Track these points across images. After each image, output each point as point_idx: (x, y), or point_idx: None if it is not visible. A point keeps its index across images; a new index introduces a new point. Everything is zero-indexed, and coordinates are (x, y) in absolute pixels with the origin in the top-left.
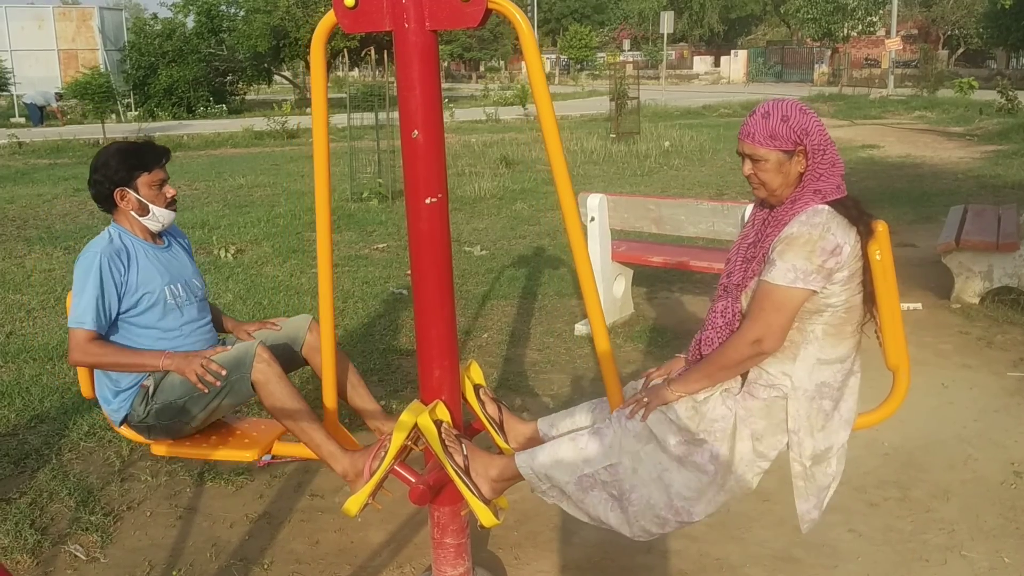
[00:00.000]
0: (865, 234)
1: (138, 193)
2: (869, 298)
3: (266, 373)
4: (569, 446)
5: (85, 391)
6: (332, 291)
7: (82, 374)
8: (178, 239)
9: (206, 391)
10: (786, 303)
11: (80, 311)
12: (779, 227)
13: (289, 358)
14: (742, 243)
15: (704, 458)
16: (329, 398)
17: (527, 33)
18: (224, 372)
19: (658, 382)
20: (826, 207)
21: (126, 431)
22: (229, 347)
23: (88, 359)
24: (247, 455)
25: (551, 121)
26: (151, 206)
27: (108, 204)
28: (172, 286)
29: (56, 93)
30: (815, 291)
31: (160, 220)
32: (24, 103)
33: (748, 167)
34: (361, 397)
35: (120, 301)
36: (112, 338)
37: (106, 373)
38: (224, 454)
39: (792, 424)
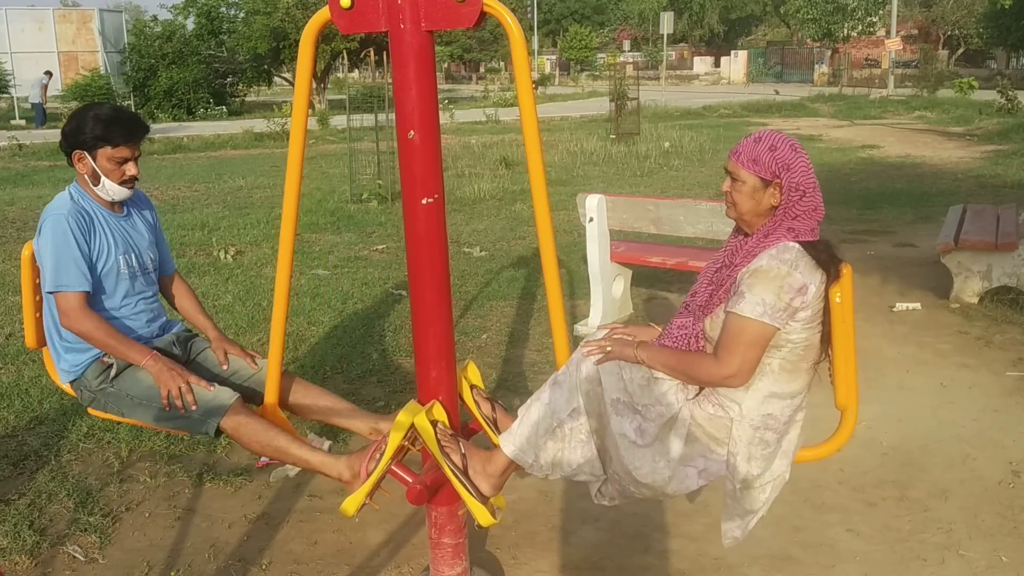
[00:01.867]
0: (832, 277)
1: (95, 161)
2: (826, 338)
3: (237, 422)
4: (536, 407)
5: (30, 341)
6: (288, 281)
7: (30, 323)
8: (142, 210)
9: (167, 408)
10: (759, 338)
11: (61, 273)
12: (749, 258)
13: (251, 397)
14: (712, 265)
15: (632, 427)
16: (271, 393)
17: (517, 36)
18: (194, 407)
19: (626, 339)
20: (796, 245)
21: (67, 388)
22: (212, 388)
23: (82, 326)
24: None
25: (532, 124)
26: (103, 178)
27: (70, 161)
28: (126, 255)
29: (46, 72)
30: (778, 328)
31: (110, 194)
32: (30, 103)
33: (727, 184)
34: (332, 403)
35: (92, 262)
36: None
37: (57, 327)
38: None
39: (732, 447)
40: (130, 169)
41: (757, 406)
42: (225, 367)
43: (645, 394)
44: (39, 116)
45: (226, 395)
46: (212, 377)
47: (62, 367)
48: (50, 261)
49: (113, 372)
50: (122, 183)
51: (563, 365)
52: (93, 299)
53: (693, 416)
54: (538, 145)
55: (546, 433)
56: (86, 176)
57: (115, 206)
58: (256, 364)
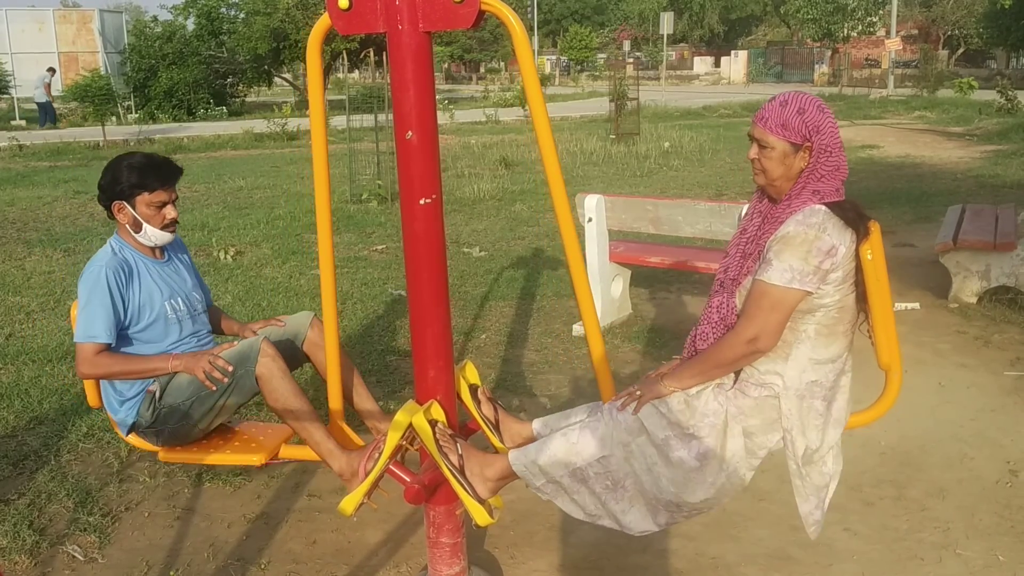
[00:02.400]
0: (862, 235)
1: (135, 209)
2: (861, 298)
3: (270, 368)
4: (561, 441)
5: (92, 401)
6: (335, 292)
7: (88, 385)
8: (179, 253)
9: (213, 388)
10: (782, 302)
11: (89, 324)
12: (776, 225)
13: (291, 355)
14: (740, 238)
15: (692, 453)
16: (334, 399)
17: (520, 34)
18: (230, 368)
19: (652, 377)
20: (823, 207)
21: (134, 439)
22: (233, 343)
23: (97, 371)
24: (254, 459)
25: (544, 121)
26: (145, 225)
27: (110, 213)
28: (172, 300)
29: (49, 68)
30: (810, 292)
31: (152, 239)
32: (35, 102)
33: (754, 151)
34: (362, 398)
35: (125, 314)
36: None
37: (111, 383)
38: (231, 458)
39: (785, 423)
40: (169, 212)
41: (799, 375)
42: None
43: (689, 415)
44: (44, 114)
45: (251, 340)
46: None
47: (119, 419)
48: (82, 312)
49: (158, 394)
50: (163, 227)
51: (607, 399)
52: (146, 347)
53: (741, 411)
54: (551, 139)
55: (563, 468)
56: (127, 226)
57: (156, 252)
58: (281, 322)
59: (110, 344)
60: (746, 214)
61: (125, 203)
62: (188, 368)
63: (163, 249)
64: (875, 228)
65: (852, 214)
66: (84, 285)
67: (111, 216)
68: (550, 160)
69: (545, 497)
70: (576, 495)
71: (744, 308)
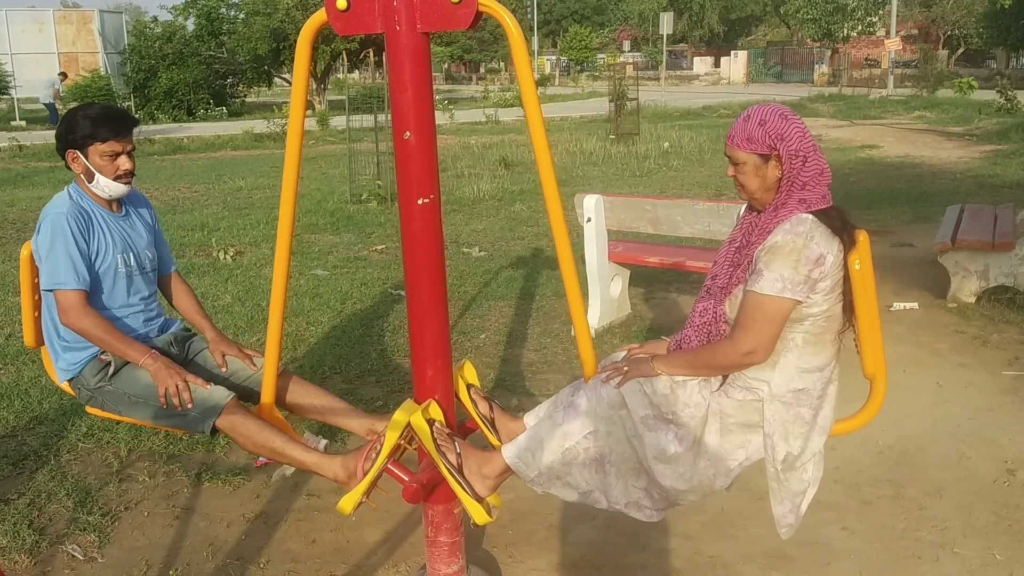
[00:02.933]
0: (848, 244)
1: (87, 159)
2: (848, 307)
3: (233, 422)
4: (548, 424)
5: (28, 341)
6: (286, 279)
7: (28, 322)
8: (139, 208)
9: (164, 406)
10: (777, 314)
11: (58, 271)
12: (764, 235)
13: (250, 396)
14: (729, 247)
15: (668, 438)
16: (268, 393)
17: (516, 36)
18: (191, 406)
19: (641, 356)
20: (810, 216)
21: (66, 387)
22: (208, 387)
23: (81, 324)
24: (182, 431)
25: (538, 122)
26: (97, 175)
27: (66, 163)
28: (124, 254)
29: (60, 73)
30: (800, 301)
31: (105, 190)
32: (42, 103)
33: (730, 169)
34: (329, 402)
35: (91, 259)
36: None
37: (56, 326)
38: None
39: (768, 428)
40: (123, 163)
41: (786, 382)
42: (223, 369)
43: (671, 401)
44: (52, 117)
45: (221, 394)
46: (210, 377)
47: (60, 366)
48: (48, 259)
49: (111, 370)
50: (116, 178)
51: (588, 373)
52: (92, 299)
53: (722, 409)
54: (545, 144)
55: (554, 452)
56: (81, 175)
57: (113, 205)
58: (254, 364)
59: (86, 291)
60: (737, 223)
61: (78, 152)
62: (155, 375)
63: (120, 203)
64: (863, 237)
65: (838, 222)
66: (46, 232)
67: (67, 166)
68: (543, 160)
69: (540, 490)
70: (568, 477)
71: (739, 319)
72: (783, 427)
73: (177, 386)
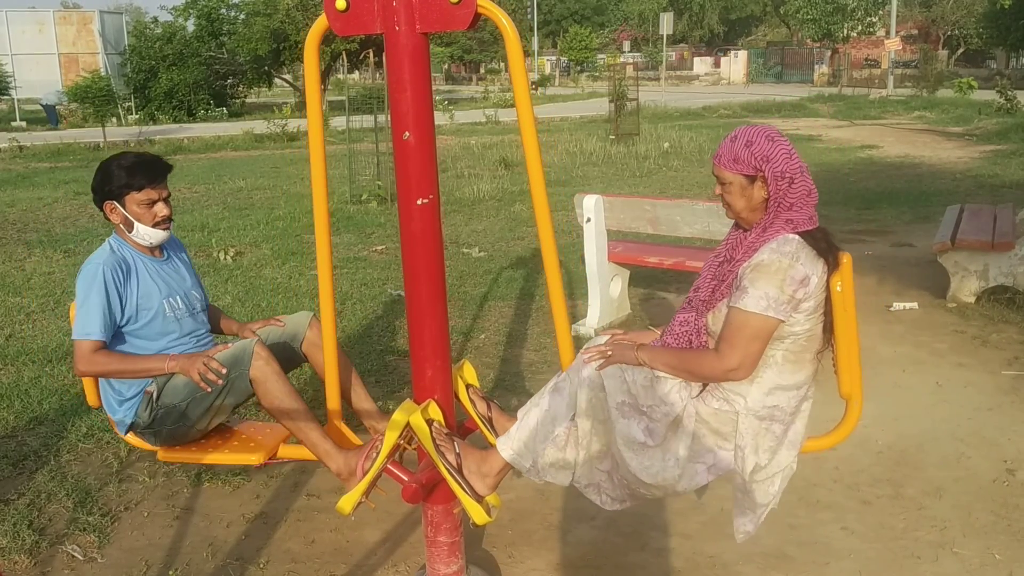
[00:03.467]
0: (832, 266)
1: (125, 209)
2: (828, 328)
3: (263, 371)
4: (535, 412)
5: (91, 401)
6: (333, 292)
7: (88, 384)
8: (178, 252)
9: (209, 390)
10: (762, 332)
11: (85, 322)
12: (749, 252)
13: (289, 356)
14: (714, 261)
15: (640, 428)
16: (333, 399)
17: (512, 36)
18: (224, 370)
19: (626, 343)
20: (796, 237)
21: (132, 439)
22: (229, 344)
23: (94, 368)
24: (252, 459)
25: (530, 123)
26: (136, 223)
27: (105, 215)
28: (171, 299)
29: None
30: (783, 320)
31: (145, 238)
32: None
33: (718, 188)
34: (360, 397)
35: (122, 312)
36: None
37: (110, 383)
38: (230, 458)
39: (739, 440)
40: (161, 210)
41: (762, 398)
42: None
43: (649, 395)
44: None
45: (245, 342)
46: None
47: (118, 419)
48: (79, 309)
49: (155, 396)
50: (155, 225)
51: (566, 368)
52: (145, 345)
53: (698, 413)
54: (536, 145)
55: (544, 439)
56: (120, 225)
57: (155, 251)
58: (281, 323)
59: (105, 342)
60: (724, 239)
61: (116, 203)
62: (183, 369)
63: (162, 248)
64: (846, 259)
65: (823, 244)
66: (82, 283)
67: (106, 218)
68: (533, 162)
69: (537, 479)
70: (561, 463)
71: (725, 335)
72: (754, 440)
73: (204, 363)
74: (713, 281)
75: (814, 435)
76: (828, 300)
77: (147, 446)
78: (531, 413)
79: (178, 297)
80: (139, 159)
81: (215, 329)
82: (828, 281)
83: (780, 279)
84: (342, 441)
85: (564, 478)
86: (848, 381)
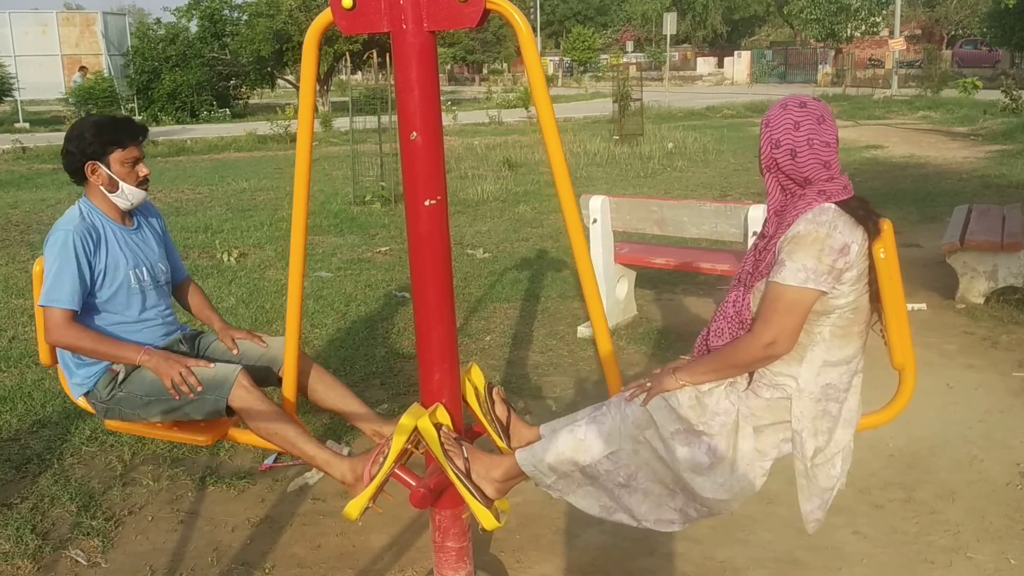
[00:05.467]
0: (873, 233)
1: (109, 168)
2: (874, 297)
3: (246, 399)
4: (567, 438)
5: (44, 358)
6: (302, 281)
7: (42, 339)
8: (149, 218)
9: (177, 398)
10: (798, 304)
11: (55, 289)
12: (785, 226)
13: (264, 377)
14: (759, 239)
15: (702, 450)
16: (288, 390)
17: (526, 33)
18: (200, 388)
19: (662, 369)
20: (832, 206)
21: (83, 402)
22: (211, 366)
23: (66, 340)
24: (200, 439)
25: (551, 121)
26: (121, 183)
27: (79, 176)
28: (137, 270)
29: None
30: (825, 292)
31: (129, 198)
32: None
33: None
34: (342, 397)
35: (91, 281)
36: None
37: None
38: (177, 436)
39: (796, 424)
40: (142, 169)
41: (814, 377)
42: (235, 352)
43: (700, 412)
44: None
45: (229, 368)
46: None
47: (75, 381)
48: (49, 276)
49: (120, 378)
50: (138, 185)
51: (613, 393)
52: (107, 315)
53: (752, 411)
54: (557, 139)
55: (573, 467)
56: (101, 187)
57: (125, 219)
58: (264, 342)
59: (75, 311)
60: (765, 219)
61: (98, 163)
62: (156, 368)
63: (132, 215)
64: (887, 226)
65: (861, 212)
66: (51, 249)
67: (78, 181)
68: (556, 157)
69: (556, 495)
70: (588, 490)
71: (760, 311)
72: (812, 423)
73: (181, 373)
74: (756, 259)
75: (866, 412)
76: (871, 269)
77: (93, 412)
78: (562, 437)
79: (144, 268)
80: (116, 118)
81: (184, 304)
82: (870, 249)
83: (818, 249)
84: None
85: (589, 506)
86: (900, 351)
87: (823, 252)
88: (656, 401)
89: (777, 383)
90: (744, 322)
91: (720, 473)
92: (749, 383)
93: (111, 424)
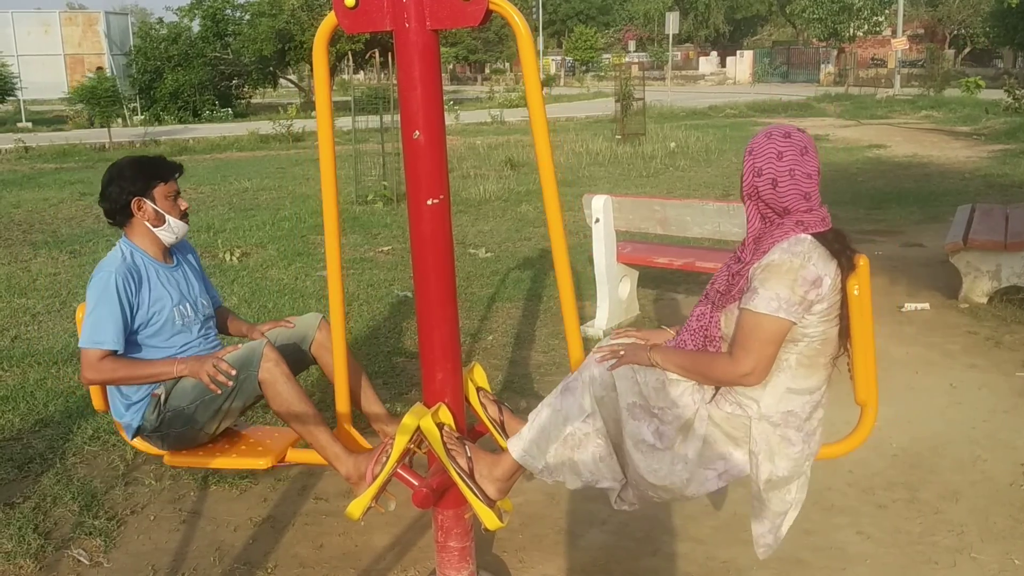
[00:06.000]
0: (846, 268)
1: (155, 203)
2: (844, 332)
3: (273, 372)
4: (547, 412)
5: (97, 405)
6: (343, 294)
7: (94, 388)
8: (187, 255)
9: (218, 392)
10: (774, 334)
11: (96, 330)
12: (760, 253)
13: (298, 358)
14: (731, 259)
15: (650, 430)
16: (342, 402)
17: (524, 35)
18: (234, 372)
19: (639, 344)
20: (808, 237)
21: (140, 443)
22: (238, 346)
23: (101, 376)
24: (261, 463)
25: (542, 121)
26: (167, 216)
27: (123, 216)
28: (181, 306)
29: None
30: (794, 323)
31: (175, 231)
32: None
33: None
34: (369, 400)
35: (133, 321)
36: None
37: (117, 387)
38: (238, 462)
39: (753, 447)
40: (183, 203)
41: (776, 403)
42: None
43: (661, 397)
44: None
45: (254, 344)
46: None
47: (126, 422)
48: (89, 316)
49: (163, 399)
50: (181, 218)
51: (576, 369)
52: (153, 352)
53: (711, 417)
54: (547, 142)
55: (556, 438)
56: (147, 223)
57: (167, 257)
58: (290, 323)
59: (117, 351)
60: (741, 243)
61: (144, 198)
62: (192, 372)
63: (172, 253)
64: (863, 262)
65: (837, 245)
66: (93, 290)
67: (120, 223)
68: (544, 160)
69: (550, 480)
70: (575, 465)
71: (738, 339)
72: (768, 447)
73: (214, 365)
74: (728, 279)
75: (827, 441)
76: (843, 303)
77: (154, 450)
78: (542, 413)
79: (188, 304)
80: (151, 156)
81: (223, 330)
82: (844, 283)
83: (791, 279)
84: (351, 445)
85: (574, 480)
86: (864, 387)
87: (796, 282)
88: (623, 370)
89: (740, 402)
90: (711, 339)
91: (657, 459)
92: (715, 394)
93: (172, 459)
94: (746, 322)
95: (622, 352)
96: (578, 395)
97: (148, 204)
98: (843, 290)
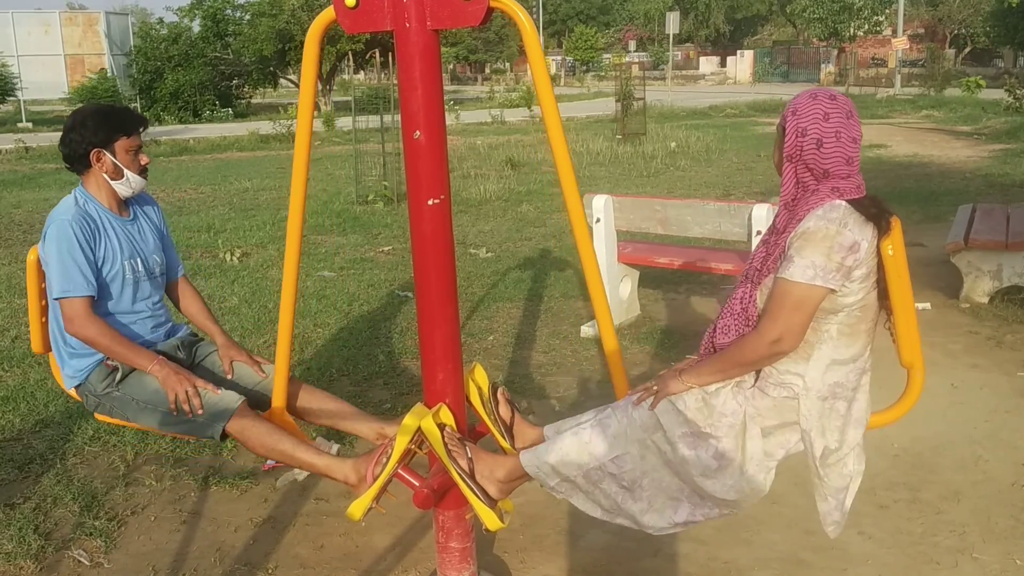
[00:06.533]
0: (883, 231)
1: (115, 156)
2: (883, 295)
3: (242, 425)
4: (572, 440)
5: (36, 346)
6: (296, 285)
7: (36, 328)
8: (146, 208)
9: (175, 413)
10: (805, 301)
11: (65, 279)
12: (795, 222)
13: (259, 403)
14: (768, 234)
15: (709, 453)
16: (279, 397)
17: (530, 31)
18: (201, 412)
19: (668, 371)
20: (843, 203)
21: (73, 393)
22: (219, 392)
23: (87, 332)
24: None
25: (555, 119)
26: (126, 170)
27: (81, 165)
28: (132, 260)
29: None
30: (834, 290)
31: (132, 185)
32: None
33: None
34: (338, 409)
35: (97, 265)
36: None
37: (62, 332)
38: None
39: (804, 424)
40: (143, 158)
41: (821, 376)
42: (229, 376)
43: (706, 414)
44: None
45: (232, 398)
46: (217, 382)
47: (67, 372)
48: (56, 267)
49: (118, 376)
50: (140, 173)
51: (619, 391)
52: (98, 305)
53: (759, 412)
54: (562, 138)
55: (577, 470)
56: (105, 175)
57: (122, 210)
58: (263, 371)
59: (94, 296)
60: (776, 215)
61: (104, 150)
62: (165, 382)
63: (129, 205)
64: (896, 223)
65: (873, 209)
66: (52, 240)
67: (78, 170)
68: (561, 155)
69: (560, 496)
70: (591, 494)
71: (767, 307)
72: (819, 422)
73: (187, 392)
74: (765, 254)
75: (874, 410)
76: (880, 267)
77: (81, 401)
78: (566, 439)
79: (139, 259)
80: (117, 107)
81: (181, 307)
82: (879, 246)
83: (827, 246)
84: (292, 433)
85: (591, 509)
86: (908, 348)
87: (832, 249)
88: (663, 404)
89: (784, 382)
90: (750, 319)
91: (729, 475)
92: (756, 381)
93: (101, 417)
94: (777, 289)
95: (655, 387)
96: (611, 434)
97: (108, 157)
98: (879, 253)
